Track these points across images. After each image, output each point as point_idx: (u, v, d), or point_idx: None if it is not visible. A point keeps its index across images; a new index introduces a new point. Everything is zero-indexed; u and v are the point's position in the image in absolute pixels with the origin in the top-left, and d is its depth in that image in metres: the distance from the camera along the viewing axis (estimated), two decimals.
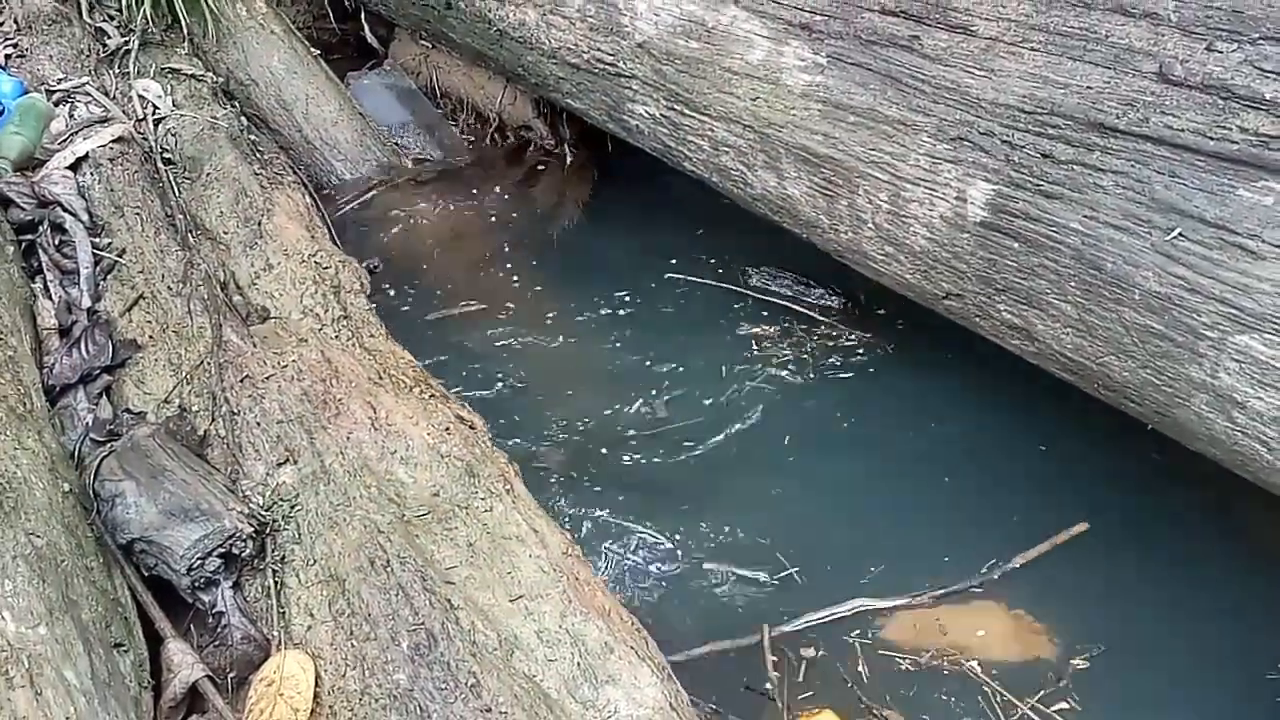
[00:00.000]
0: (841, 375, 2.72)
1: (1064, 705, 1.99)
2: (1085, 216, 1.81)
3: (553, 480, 2.45)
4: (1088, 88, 1.82)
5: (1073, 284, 1.86)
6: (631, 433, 2.61)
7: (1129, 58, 1.79)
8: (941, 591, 2.18)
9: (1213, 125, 1.66)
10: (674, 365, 2.79)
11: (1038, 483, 2.39)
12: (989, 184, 1.96)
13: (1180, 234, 1.68)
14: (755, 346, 2.80)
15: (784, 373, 2.73)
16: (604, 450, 2.56)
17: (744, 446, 2.57)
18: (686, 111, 2.61)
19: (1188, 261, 1.67)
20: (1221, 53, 1.67)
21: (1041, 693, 1.99)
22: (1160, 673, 2.03)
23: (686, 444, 2.57)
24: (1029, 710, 1.96)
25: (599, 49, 2.81)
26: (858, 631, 2.12)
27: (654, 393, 2.70)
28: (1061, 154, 1.85)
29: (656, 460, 2.53)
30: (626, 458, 2.55)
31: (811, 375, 2.71)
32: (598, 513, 2.38)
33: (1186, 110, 1.69)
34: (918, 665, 2.06)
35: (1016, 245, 1.94)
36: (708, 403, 2.68)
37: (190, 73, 3.31)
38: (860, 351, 2.77)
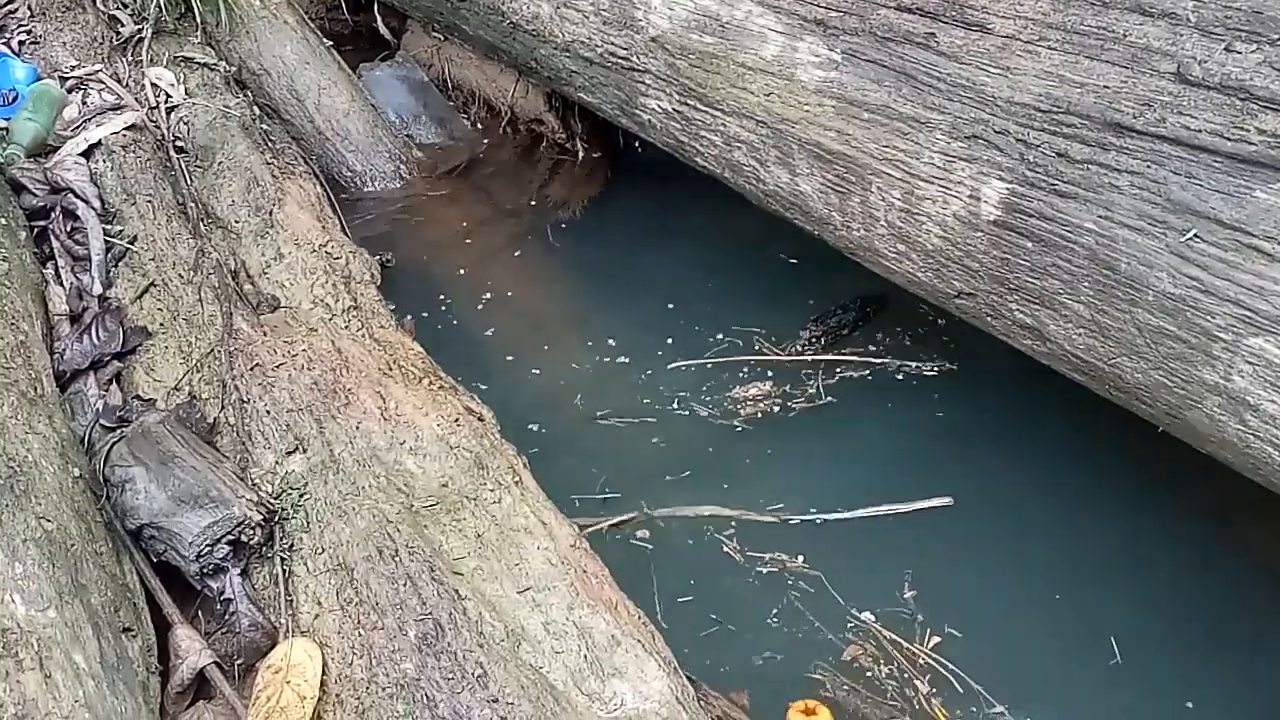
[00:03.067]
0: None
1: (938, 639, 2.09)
2: (1100, 216, 1.80)
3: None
4: (1104, 87, 1.81)
5: (1086, 284, 1.86)
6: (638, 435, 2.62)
7: (1146, 57, 1.77)
8: (796, 519, 2.36)
9: (1230, 126, 1.64)
10: (678, 375, 2.78)
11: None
12: (1003, 182, 1.96)
13: (1196, 235, 1.67)
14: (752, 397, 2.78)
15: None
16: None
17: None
18: (699, 106, 2.60)
19: (1203, 263, 1.66)
20: (1240, 53, 1.66)
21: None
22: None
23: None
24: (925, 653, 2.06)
25: (612, 43, 2.81)
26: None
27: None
28: (1077, 153, 1.84)
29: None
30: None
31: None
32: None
33: (1204, 111, 1.68)
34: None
35: (1030, 244, 1.93)
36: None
37: (203, 61, 3.32)
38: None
